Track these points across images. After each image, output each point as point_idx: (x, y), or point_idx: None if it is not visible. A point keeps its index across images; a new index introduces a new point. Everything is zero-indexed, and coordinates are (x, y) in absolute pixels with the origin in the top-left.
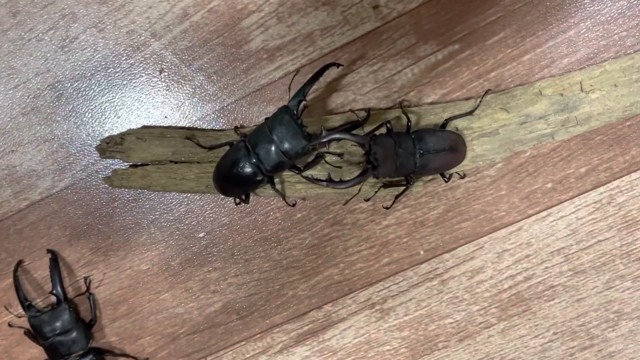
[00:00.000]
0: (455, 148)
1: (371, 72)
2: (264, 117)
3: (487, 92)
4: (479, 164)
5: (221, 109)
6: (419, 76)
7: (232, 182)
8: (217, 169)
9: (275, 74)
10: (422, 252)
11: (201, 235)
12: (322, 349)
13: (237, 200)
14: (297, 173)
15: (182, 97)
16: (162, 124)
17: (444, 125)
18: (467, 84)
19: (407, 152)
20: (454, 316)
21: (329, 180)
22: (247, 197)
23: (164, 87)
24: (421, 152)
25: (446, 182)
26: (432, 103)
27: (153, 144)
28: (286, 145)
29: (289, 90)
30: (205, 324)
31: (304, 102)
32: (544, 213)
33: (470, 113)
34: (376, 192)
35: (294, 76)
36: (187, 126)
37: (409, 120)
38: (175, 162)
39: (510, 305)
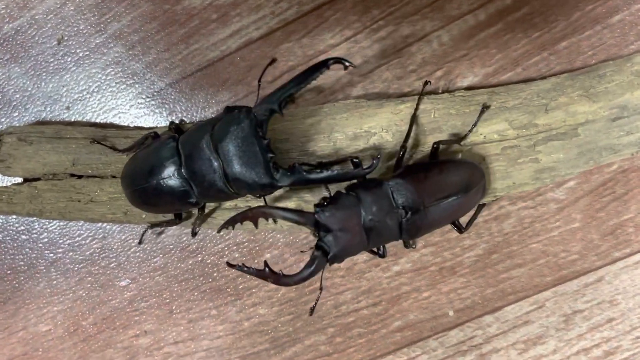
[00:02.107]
0: (467, 187)
1: (376, 40)
2: (225, 106)
3: (483, 110)
4: (544, 182)
5: (149, 96)
6: (450, 46)
7: (150, 194)
8: (130, 168)
9: (230, 43)
10: (451, 313)
11: (124, 283)
12: None
13: (166, 217)
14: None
15: (90, 79)
16: (60, 119)
17: (433, 152)
18: (523, 59)
19: (382, 215)
20: None
21: (267, 273)
22: (179, 215)
23: (65, 64)
24: (405, 209)
25: (460, 233)
26: (470, 88)
27: (44, 149)
28: (237, 174)
29: (259, 84)
30: None
31: (277, 114)
32: (638, 256)
33: (458, 141)
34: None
35: (268, 65)
36: (96, 121)
37: (406, 138)
38: (79, 177)
39: None
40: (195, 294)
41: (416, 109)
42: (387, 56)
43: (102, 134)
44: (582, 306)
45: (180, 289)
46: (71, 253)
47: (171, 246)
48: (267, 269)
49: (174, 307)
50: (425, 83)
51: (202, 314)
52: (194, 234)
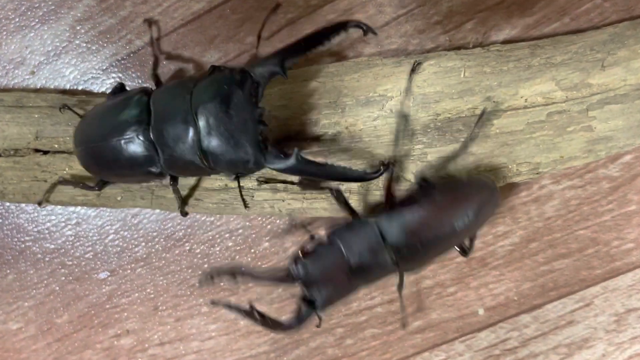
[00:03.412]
0: (477, 213)
1: None
2: (210, 65)
3: (482, 114)
4: (598, 156)
5: (125, 57)
6: None
7: (106, 155)
8: (86, 121)
9: None
10: (481, 312)
11: (102, 276)
12: None
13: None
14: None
15: (57, 38)
16: (24, 85)
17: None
18: (571, 7)
19: (371, 257)
20: None
21: (249, 315)
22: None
23: (28, 21)
24: (398, 249)
25: (465, 256)
26: (507, 41)
27: (3, 120)
28: (214, 144)
29: (258, 39)
30: None
31: (278, 75)
32: None
33: (467, 144)
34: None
35: (271, 12)
36: (65, 88)
37: (395, 145)
38: (44, 152)
39: None
40: (183, 288)
41: (405, 97)
42: (407, 5)
43: (70, 101)
44: (637, 304)
45: (165, 282)
46: (41, 241)
47: (154, 233)
48: (252, 308)
49: (159, 304)
50: (415, 65)
51: (191, 312)
52: (183, 213)
